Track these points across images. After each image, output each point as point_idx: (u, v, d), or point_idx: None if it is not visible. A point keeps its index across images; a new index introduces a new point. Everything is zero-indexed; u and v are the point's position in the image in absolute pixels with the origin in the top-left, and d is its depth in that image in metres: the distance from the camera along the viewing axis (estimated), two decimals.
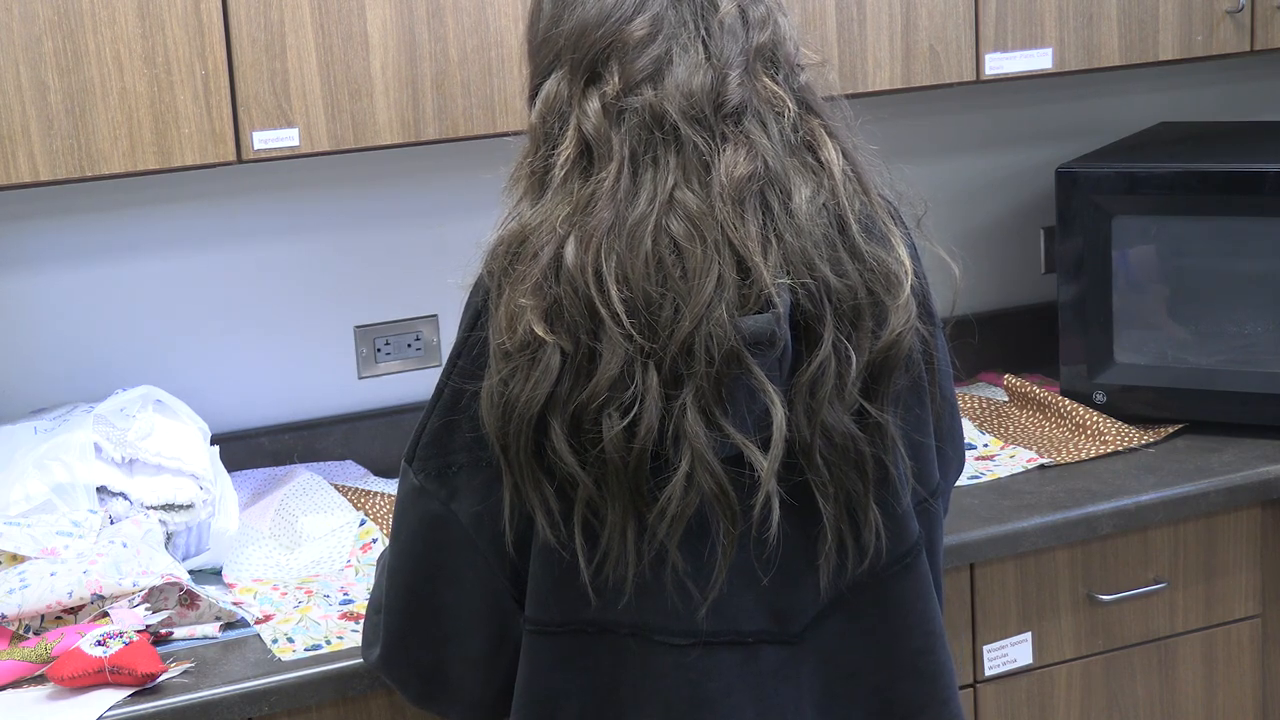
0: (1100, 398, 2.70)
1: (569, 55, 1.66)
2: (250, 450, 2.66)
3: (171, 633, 2.10)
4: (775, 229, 1.61)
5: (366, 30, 2.28)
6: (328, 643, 2.09)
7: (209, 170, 2.28)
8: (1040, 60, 2.67)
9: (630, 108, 1.62)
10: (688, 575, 1.65)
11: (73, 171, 2.17)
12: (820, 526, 1.67)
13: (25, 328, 2.55)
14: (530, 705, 1.75)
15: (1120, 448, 2.61)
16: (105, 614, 2.06)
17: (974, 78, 2.64)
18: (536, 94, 1.71)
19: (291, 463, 2.69)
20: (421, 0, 2.30)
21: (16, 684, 2.01)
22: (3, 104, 2.12)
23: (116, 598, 2.07)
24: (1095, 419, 2.68)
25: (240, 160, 2.25)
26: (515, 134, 2.39)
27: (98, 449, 2.25)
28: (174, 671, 2.00)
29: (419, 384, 2.79)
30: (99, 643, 1.98)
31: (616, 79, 1.63)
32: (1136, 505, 2.44)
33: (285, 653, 2.07)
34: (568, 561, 1.65)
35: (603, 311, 1.58)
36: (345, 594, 2.25)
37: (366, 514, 2.48)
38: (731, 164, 1.60)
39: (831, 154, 1.67)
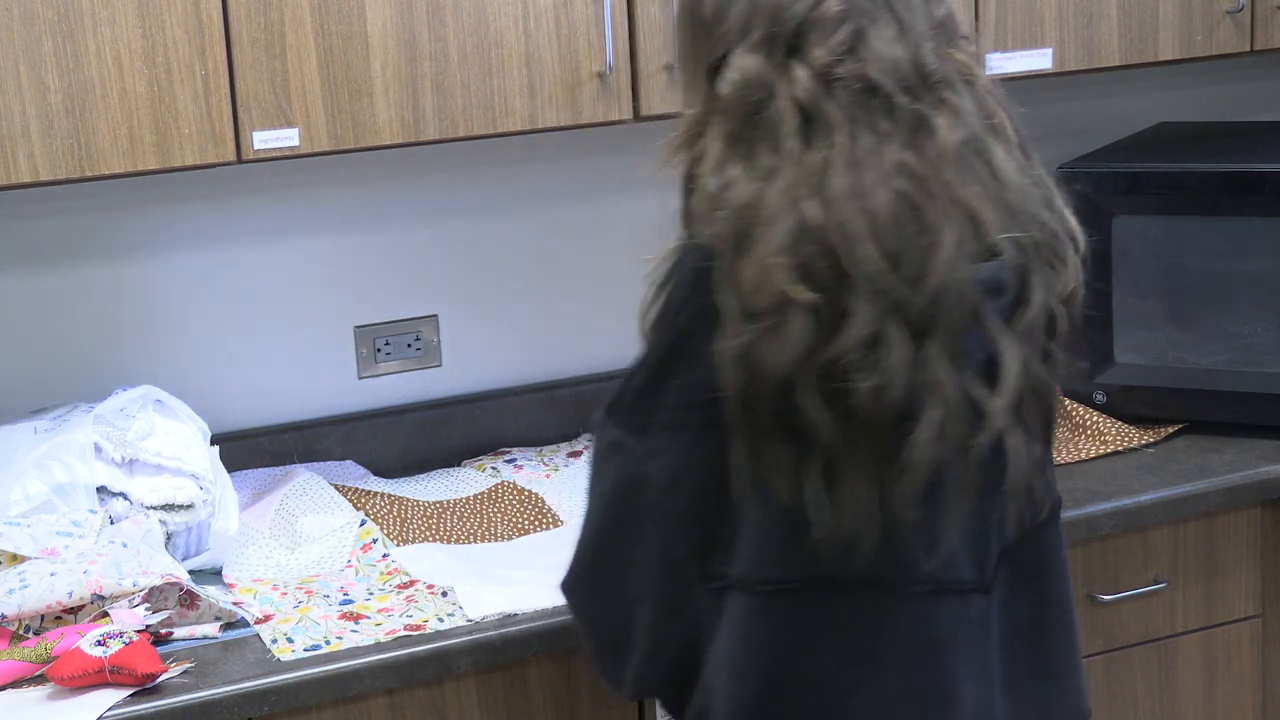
0: (1100, 398, 2.70)
1: (763, 29, 1.69)
2: (250, 450, 2.66)
3: (171, 633, 2.10)
4: (989, 188, 1.69)
5: (366, 30, 2.28)
6: (327, 643, 2.09)
7: (209, 170, 2.28)
8: (1040, 60, 2.68)
9: (840, 77, 1.67)
10: (922, 525, 1.69)
11: (73, 171, 2.17)
12: (1010, 474, 1.72)
13: (25, 328, 2.55)
14: (751, 667, 1.74)
15: (1120, 448, 2.61)
16: (105, 614, 2.06)
17: None
18: (717, 69, 1.72)
19: (291, 463, 2.69)
20: (421, 0, 2.30)
21: (16, 684, 2.01)
22: (3, 104, 2.12)
23: (116, 598, 2.07)
24: (1095, 419, 2.68)
25: (240, 160, 2.25)
26: (519, 133, 2.40)
27: (98, 449, 2.25)
28: (174, 671, 2.01)
29: (419, 384, 2.79)
30: (99, 643, 1.98)
31: (821, 51, 1.67)
32: (1136, 505, 2.44)
33: (285, 653, 2.07)
34: (801, 519, 1.67)
35: (851, 269, 1.61)
36: (345, 594, 2.25)
37: (366, 514, 2.48)
38: (947, 130, 1.67)
39: (1005, 120, 1.75)
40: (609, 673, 1.87)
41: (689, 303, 1.70)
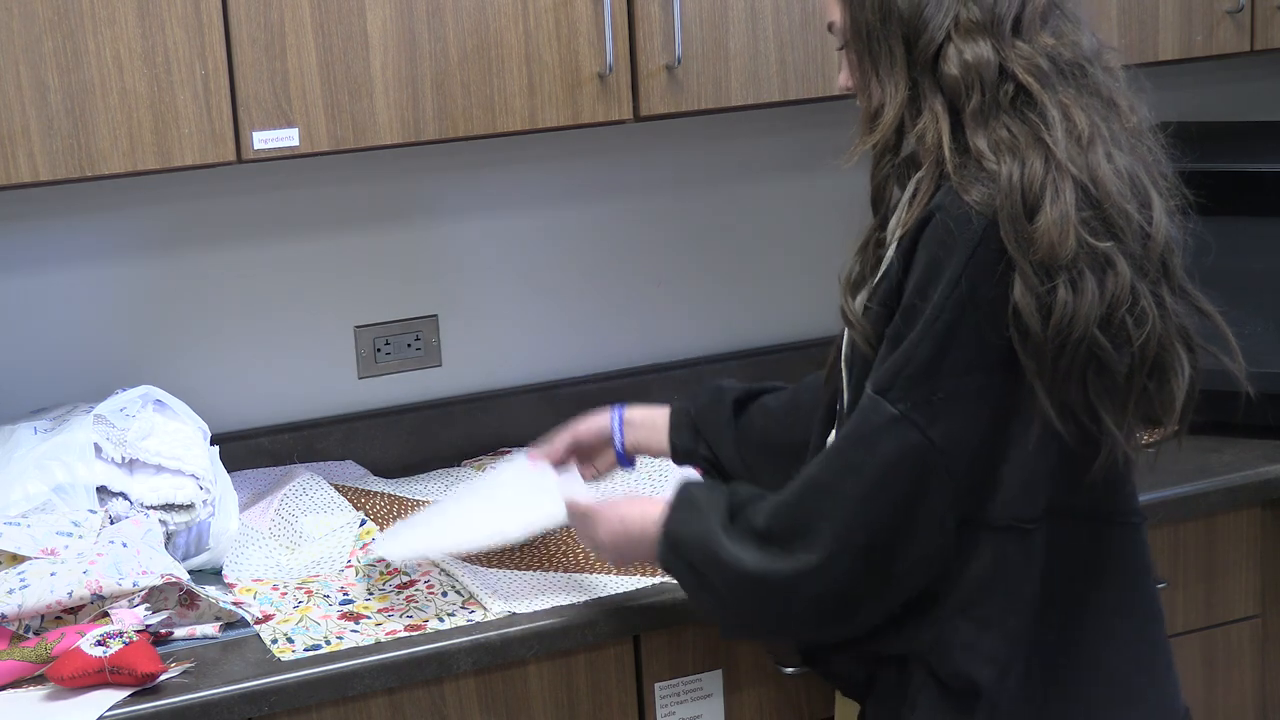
0: None
1: (982, 16, 1.82)
2: (250, 450, 2.66)
3: (171, 633, 2.10)
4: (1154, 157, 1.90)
5: (366, 30, 2.28)
6: (327, 643, 2.09)
7: (209, 170, 2.28)
8: None
9: (1060, 57, 1.83)
10: (1140, 460, 1.91)
11: (73, 171, 2.17)
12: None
13: (25, 328, 2.56)
14: (1000, 596, 1.86)
15: None
16: (105, 614, 2.06)
17: None
18: (934, 54, 1.82)
19: (291, 463, 2.69)
20: (421, 0, 2.30)
21: (16, 684, 2.01)
22: (3, 104, 2.12)
23: (116, 598, 2.07)
24: None
25: (240, 160, 2.25)
26: (519, 133, 2.40)
27: (98, 449, 2.25)
28: (174, 671, 2.01)
29: (419, 384, 2.79)
30: (99, 643, 1.98)
31: (1042, 34, 1.84)
32: None
33: (285, 653, 2.07)
34: (1070, 457, 1.82)
35: (1119, 224, 1.79)
36: (345, 594, 2.25)
37: (366, 514, 2.48)
38: (1127, 108, 1.87)
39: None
40: (810, 629, 1.95)
41: (966, 267, 1.78)
